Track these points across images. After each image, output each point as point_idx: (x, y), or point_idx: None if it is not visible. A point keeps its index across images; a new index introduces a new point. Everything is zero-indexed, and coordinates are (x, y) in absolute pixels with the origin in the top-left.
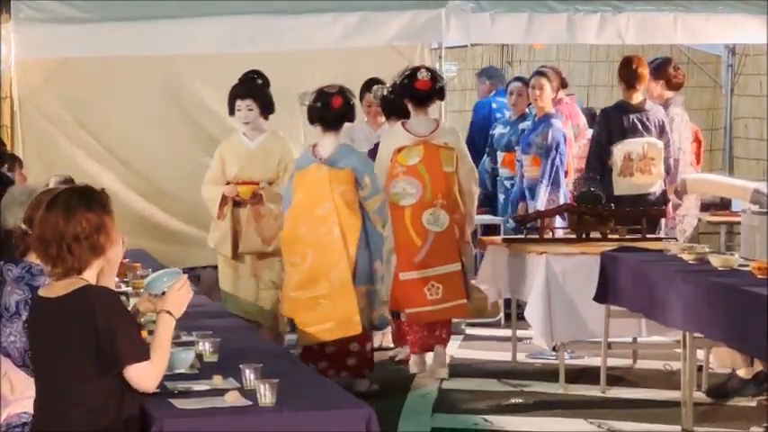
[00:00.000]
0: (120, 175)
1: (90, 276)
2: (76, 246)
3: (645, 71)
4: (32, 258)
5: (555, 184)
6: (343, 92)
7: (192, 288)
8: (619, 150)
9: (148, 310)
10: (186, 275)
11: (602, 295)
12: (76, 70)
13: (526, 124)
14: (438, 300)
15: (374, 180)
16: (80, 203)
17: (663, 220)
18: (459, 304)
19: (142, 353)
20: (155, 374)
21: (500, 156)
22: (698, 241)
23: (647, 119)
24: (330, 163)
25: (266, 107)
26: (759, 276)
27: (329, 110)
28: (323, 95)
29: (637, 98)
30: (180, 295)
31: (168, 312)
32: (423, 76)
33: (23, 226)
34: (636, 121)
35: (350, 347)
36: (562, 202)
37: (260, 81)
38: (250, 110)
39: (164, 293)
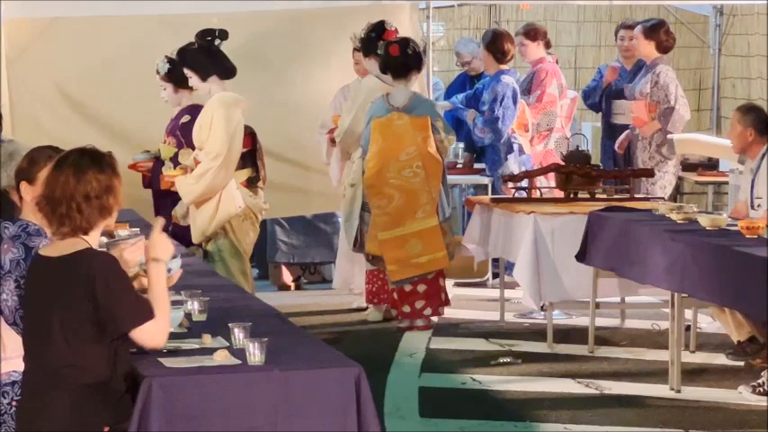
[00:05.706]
0: (108, 135)
1: (93, 238)
2: (86, 205)
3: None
4: (29, 217)
5: (492, 128)
6: (402, 42)
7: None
8: None
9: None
10: (162, 219)
11: (583, 255)
12: (64, 30)
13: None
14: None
15: (445, 123)
16: (91, 164)
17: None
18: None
19: (145, 313)
20: (162, 330)
21: None
22: (676, 200)
23: None
24: (406, 111)
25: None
26: (747, 236)
27: (389, 57)
28: (385, 45)
29: None
30: (162, 239)
31: (156, 260)
32: (389, 27)
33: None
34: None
35: (440, 283)
36: (486, 143)
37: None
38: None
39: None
